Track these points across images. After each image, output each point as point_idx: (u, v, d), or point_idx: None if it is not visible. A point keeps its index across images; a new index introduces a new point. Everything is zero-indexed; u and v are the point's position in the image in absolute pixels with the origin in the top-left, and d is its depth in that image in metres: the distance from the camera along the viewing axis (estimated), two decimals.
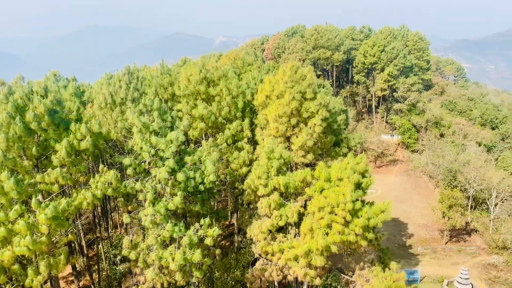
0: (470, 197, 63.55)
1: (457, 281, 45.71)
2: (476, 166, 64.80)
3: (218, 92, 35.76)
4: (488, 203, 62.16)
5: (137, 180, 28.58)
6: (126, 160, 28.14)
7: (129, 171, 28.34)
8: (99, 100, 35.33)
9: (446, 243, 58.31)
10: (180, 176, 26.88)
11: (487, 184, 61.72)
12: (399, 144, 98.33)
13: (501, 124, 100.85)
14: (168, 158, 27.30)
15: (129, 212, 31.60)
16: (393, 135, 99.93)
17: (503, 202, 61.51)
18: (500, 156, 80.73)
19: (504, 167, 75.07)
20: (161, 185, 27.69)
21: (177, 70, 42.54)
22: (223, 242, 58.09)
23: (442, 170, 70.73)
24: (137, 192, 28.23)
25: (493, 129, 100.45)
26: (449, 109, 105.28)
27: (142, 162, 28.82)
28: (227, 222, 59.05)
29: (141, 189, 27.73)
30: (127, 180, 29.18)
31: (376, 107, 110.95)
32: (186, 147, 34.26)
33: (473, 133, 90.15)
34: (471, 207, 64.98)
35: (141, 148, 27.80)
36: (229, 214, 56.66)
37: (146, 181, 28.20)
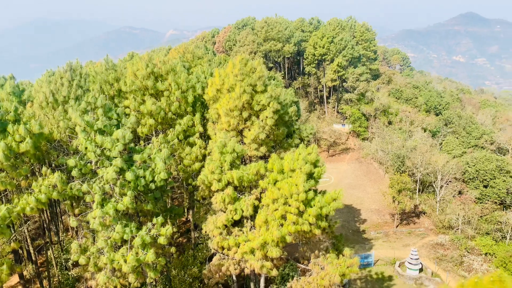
0: (418, 181, 66.52)
1: (408, 262, 47.84)
2: (422, 151, 67.88)
3: (166, 87, 34.83)
4: (434, 185, 65.35)
5: (83, 182, 27.37)
6: (71, 161, 26.83)
7: (75, 172, 27.06)
8: (40, 99, 33.43)
9: (397, 226, 60.75)
10: (129, 175, 26.02)
11: (433, 168, 64.85)
12: (350, 133, 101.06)
13: (444, 110, 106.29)
14: (115, 157, 26.31)
15: (77, 215, 30.25)
16: (344, 124, 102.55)
17: (447, 184, 64.90)
18: (444, 140, 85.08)
19: (448, 151, 79.20)
20: (110, 185, 26.69)
21: (124, 65, 41.09)
22: (180, 239, 57.36)
23: (391, 156, 73.50)
24: (84, 194, 27.06)
25: (437, 115, 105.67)
26: (396, 97, 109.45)
27: (88, 162, 27.62)
28: (184, 219, 58.33)
29: (88, 191, 26.60)
30: (73, 182, 27.87)
31: (328, 98, 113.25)
32: (136, 144, 33.26)
33: (419, 120, 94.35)
34: (419, 191, 68.07)
35: (86, 148, 26.61)
36: (185, 211, 55.93)
37: (93, 182, 27.07)
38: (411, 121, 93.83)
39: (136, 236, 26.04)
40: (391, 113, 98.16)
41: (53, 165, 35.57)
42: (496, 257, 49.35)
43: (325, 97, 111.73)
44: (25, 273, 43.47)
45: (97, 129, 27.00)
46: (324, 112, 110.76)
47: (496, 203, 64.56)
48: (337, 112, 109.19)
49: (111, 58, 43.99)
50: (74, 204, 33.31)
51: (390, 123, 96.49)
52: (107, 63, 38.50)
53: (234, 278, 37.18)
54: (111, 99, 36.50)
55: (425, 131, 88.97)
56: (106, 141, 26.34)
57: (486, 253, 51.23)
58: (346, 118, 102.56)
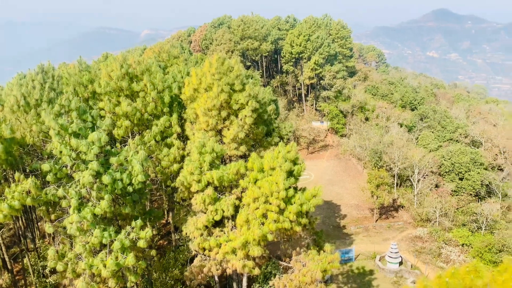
0: (395, 175, 67.58)
1: (388, 256, 48.54)
2: (399, 146, 69.00)
3: (142, 87, 34.28)
4: (412, 179, 66.52)
5: (59, 186, 26.68)
6: (45, 166, 26.11)
7: (50, 177, 26.35)
8: (11, 102, 32.41)
9: (377, 220, 61.57)
10: (106, 179, 25.48)
11: (410, 162, 66.01)
12: (328, 130, 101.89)
13: (419, 105, 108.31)
14: (91, 161, 25.73)
15: (54, 221, 29.53)
16: (322, 122, 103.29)
17: (424, 178, 66.16)
18: (420, 135, 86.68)
19: (424, 145, 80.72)
20: (86, 189, 26.09)
21: (98, 66, 40.25)
22: (160, 241, 56.68)
23: (368, 152, 74.44)
24: (60, 199, 26.38)
25: (412, 110, 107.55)
26: (372, 94, 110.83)
27: (63, 166, 26.94)
28: (164, 221, 57.67)
29: (64, 196, 25.95)
30: (48, 187, 27.14)
31: (306, 95, 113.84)
32: (112, 147, 32.64)
33: (395, 115, 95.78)
34: (397, 185, 69.18)
35: (61, 152, 25.93)
36: (165, 213, 55.31)
37: (69, 187, 26.42)
38: (388, 117, 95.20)
39: (115, 240, 25.55)
40: (368, 110, 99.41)
41: (27, 170, 34.62)
42: (472, 248, 50.59)
43: (303, 95, 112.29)
44: (0, 281, 42.24)
45: (71, 132, 26.34)
46: (303, 110, 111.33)
47: (472, 195, 66.23)
48: (316, 109, 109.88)
49: (86, 59, 43.07)
50: (50, 209, 32.50)
51: (367, 119, 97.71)
52: (81, 65, 37.67)
53: (216, 278, 36.98)
54: (85, 101, 35.73)
55: (401, 126, 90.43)
56: (81, 144, 25.74)
57: (463, 244, 52.46)
58: (325, 116, 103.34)
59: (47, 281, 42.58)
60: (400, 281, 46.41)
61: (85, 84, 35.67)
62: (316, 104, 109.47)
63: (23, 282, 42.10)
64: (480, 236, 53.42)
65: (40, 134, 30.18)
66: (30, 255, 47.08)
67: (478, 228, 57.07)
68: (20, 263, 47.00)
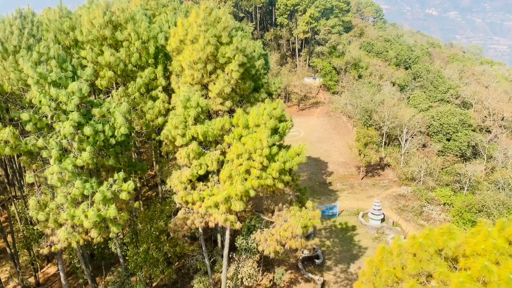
0: (384, 134, 67.86)
1: (371, 212, 49.62)
2: (389, 105, 68.77)
3: (126, 36, 33.02)
4: (400, 139, 66.92)
5: (39, 137, 26.24)
6: (25, 115, 25.49)
7: (29, 127, 25.84)
8: None
9: (363, 178, 62.45)
10: (87, 130, 25.06)
11: (399, 122, 66.11)
12: (321, 86, 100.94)
13: (414, 64, 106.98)
14: (72, 111, 25.18)
15: (35, 171, 29.32)
16: (315, 78, 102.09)
17: (412, 137, 66.56)
18: (411, 94, 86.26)
19: (414, 105, 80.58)
20: (67, 140, 25.72)
21: (81, 12, 38.49)
22: (149, 192, 57.39)
23: (359, 110, 74.25)
24: (41, 149, 26.02)
25: (406, 69, 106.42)
26: (367, 51, 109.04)
27: (44, 116, 26.36)
28: (153, 172, 58.01)
29: (45, 146, 25.57)
30: (28, 136, 26.68)
31: (300, 50, 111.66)
32: (96, 98, 31.97)
33: (388, 74, 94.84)
34: (385, 144, 69.64)
35: (40, 101, 25.27)
36: (154, 164, 55.45)
37: (50, 137, 26.00)
38: (381, 75, 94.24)
39: (97, 191, 25.54)
40: (362, 67, 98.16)
41: (10, 119, 33.92)
42: (453, 207, 51.81)
43: (297, 50, 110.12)
44: None
45: (51, 82, 25.56)
46: (296, 65, 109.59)
47: (457, 155, 67.06)
48: (309, 65, 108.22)
49: (73, 4, 41.14)
50: (32, 160, 32.21)
51: (360, 76, 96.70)
52: (61, 10, 36.02)
53: (201, 230, 37.68)
54: (67, 49, 34.49)
55: (393, 85, 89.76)
56: (61, 94, 25.05)
57: (444, 203, 53.68)
58: (317, 72, 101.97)
59: (35, 228, 43.15)
60: (381, 237, 47.77)
61: (66, 31, 34.26)
62: (309, 59, 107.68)
63: (9, 229, 42.58)
64: (462, 196, 54.62)
65: (19, 82, 29.25)
66: (17, 203, 47.43)
67: (460, 188, 58.24)
68: (7, 211, 47.41)
